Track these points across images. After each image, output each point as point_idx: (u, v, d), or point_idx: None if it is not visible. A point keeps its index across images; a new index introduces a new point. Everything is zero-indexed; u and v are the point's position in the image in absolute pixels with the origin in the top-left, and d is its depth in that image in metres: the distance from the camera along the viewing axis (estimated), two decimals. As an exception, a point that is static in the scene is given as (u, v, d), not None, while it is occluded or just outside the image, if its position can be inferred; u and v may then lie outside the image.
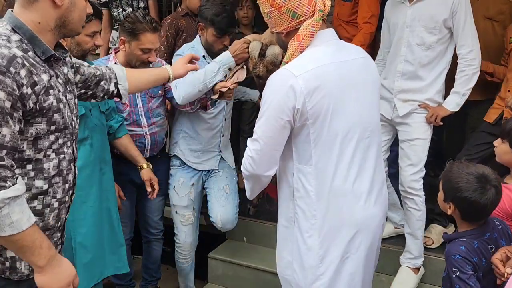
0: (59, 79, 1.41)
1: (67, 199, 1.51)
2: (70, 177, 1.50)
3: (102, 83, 1.74)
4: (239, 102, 3.16)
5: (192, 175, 2.76)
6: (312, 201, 1.65)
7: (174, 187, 2.76)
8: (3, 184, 1.23)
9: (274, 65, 2.23)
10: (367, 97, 1.68)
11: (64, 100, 1.41)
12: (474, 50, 2.48)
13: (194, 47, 2.60)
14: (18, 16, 1.34)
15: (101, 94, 1.75)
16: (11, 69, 1.23)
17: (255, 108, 3.41)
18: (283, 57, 2.21)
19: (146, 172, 2.51)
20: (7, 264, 1.40)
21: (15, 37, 1.31)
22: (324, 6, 1.60)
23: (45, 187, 1.40)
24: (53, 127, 1.37)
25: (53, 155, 1.41)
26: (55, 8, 1.35)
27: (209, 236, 3.08)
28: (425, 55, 2.54)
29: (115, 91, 1.78)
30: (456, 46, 2.53)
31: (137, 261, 3.27)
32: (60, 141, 1.42)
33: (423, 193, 2.63)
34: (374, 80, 1.75)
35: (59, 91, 1.39)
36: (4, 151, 1.24)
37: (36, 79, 1.29)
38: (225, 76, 2.40)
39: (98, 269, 2.26)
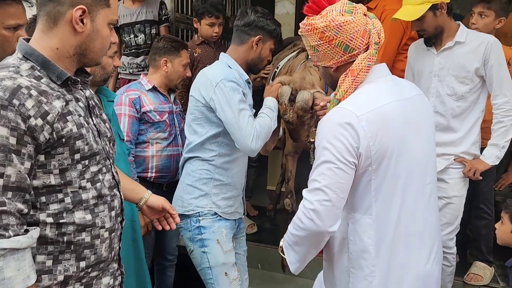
0: (79, 103, 1.32)
1: (117, 227, 1.41)
2: (116, 203, 1.41)
3: None
4: None
5: (230, 224, 2.28)
6: (370, 256, 1.46)
7: (218, 241, 2.20)
8: (2, 232, 1.11)
9: (304, 111, 2.17)
10: (426, 137, 1.54)
11: (87, 125, 1.30)
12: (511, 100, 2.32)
13: (234, 69, 2.18)
14: (36, 41, 1.28)
15: None
16: (14, 101, 1.14)
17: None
18: (313, 103, 2.15)
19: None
20: None
21: (26, 66, 1.24)
22: (379, 38, 1.47)
23: (88, 217, 1.30)
24: (77, 156, 1.26)
25: (88, 185, 1.30)
26: (75, 35, 1.27)
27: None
28: (457, 106, 2.39)
29: None
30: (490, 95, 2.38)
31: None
32: (93, 169, 1.32)
33: (455, 248, 2.51)
34: (430, 119, 1.62)
35: (79, 115, 1.29)
36: (10, 193, 1.13)
37: (46, 108, 1.19)
38: None
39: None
